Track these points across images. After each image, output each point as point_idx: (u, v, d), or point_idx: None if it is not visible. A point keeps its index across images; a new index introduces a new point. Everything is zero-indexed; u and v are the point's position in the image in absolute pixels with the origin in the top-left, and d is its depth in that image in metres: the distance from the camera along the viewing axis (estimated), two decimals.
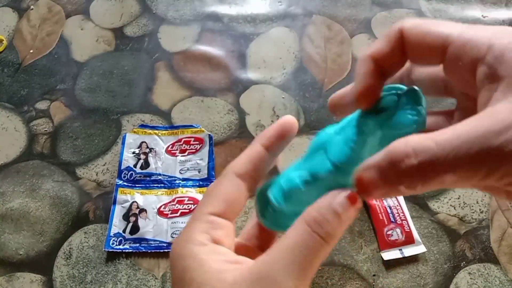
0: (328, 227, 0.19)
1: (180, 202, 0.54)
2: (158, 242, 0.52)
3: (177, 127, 0.60)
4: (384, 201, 0.54)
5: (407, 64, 0.22)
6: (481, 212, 0.55)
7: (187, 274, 0.20)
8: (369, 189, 0.18)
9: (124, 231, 0.52)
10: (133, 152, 0.58)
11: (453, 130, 0.16)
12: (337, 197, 0.20)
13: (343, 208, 0.20)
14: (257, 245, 0.25)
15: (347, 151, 0.21)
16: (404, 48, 0.20)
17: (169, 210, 0.54)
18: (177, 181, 0.56)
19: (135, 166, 0.57)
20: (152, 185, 0.56)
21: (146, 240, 0.52)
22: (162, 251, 0.51)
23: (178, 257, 0.20)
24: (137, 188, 0.55)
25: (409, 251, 0.51)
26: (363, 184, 0.18)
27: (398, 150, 0.17)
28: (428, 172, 0.16)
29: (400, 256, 0.51)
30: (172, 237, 0.52)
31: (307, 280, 0.19)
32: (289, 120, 0.23)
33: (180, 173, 0.57)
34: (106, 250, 0.52)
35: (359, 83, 0.21)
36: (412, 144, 0.16)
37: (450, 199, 0.56)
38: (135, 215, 0.53)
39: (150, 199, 0.54)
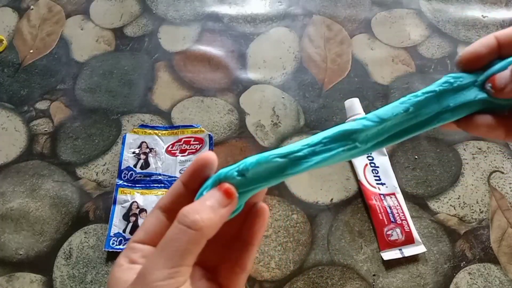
0: (192, 216, 0.22)
1: None
2: None
3: (177, 127, 0.60)
4: (384, 201, 0.54)
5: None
6: (481, 212, 0.55)
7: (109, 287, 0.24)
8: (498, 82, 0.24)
9: (124, 231, 0.52)
10: (133, 152, 0.58)
11: None
12: (210, 193, 0.24)
13: (215, 199, 0.23)
14: None
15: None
16: None
17: None
18: None
19: (135, 166, 0.57)
20: (152, 185, 0.56)
21: None
22: None
23: (109, 278, 0.25)
24: (137, 188, 0.55)
25: (409, 251, 0.51)
26: (494, 81, 0.24)
27: None
28: None
29: (400, 256, 0.51)
30: None
31: (182, 266, 0.22)
32: (205, 157, 0.25)
33: (180, 173, 0.57)
34: (106, 250, 0.52)
35: (471, 47, 0.25)
36: None
37: (450, 199, 0.56)
38: (135, 215, 0.53)
39: (150, 199, 0.54)
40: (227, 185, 0.24)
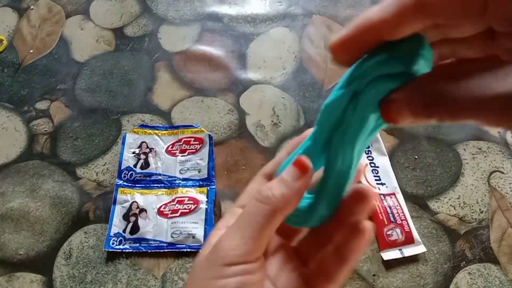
0: (266, 192, 0.23)
1: (180, 202, 0.54)
2: (158, 242, 0.52)
3: (177, 127, 0.60)
4: (384, 201, 0.54)
5: None
6: (481, 212, 0.55)
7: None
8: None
9: (124, 231, 0.52)
10: (133, 152, 0.58)
11: None
12: (287, 168, 0.23)
13: (289, 173, 0.23)
14: None
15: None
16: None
17: (169, 210, 0.54)
18: (177, 181, 0.56)
19: (135, 166, 0.57)
20: (152, 185, 0.56)
21: (146, 240, 0.52)
22: (162, 251, 0.51)
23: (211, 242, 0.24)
24: (137, 188, 0.55)
25: (409, 251, 0.51)
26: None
27: None
28: None
29: (400, 256, 0.51)
30: (172, 237, 0.52)
31: (251, 239, 0.22)
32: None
33: (180, 173, 0.57)
34: (106, 250, 0.52)
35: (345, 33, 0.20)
36: None
37: (450, 199, 0.56)
38: (135, 215, 0.53)
39: (150, 199, 0.54)
40: (300, 158, 0.23)
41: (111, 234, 0.52)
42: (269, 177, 0.26)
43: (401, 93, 0.19)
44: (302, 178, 0.23)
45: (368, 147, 0.58)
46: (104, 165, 0.58)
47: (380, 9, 0.18)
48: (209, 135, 0.59)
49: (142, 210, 0.54)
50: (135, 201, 0.54)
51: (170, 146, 0.58)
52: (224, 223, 0.25)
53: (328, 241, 0.25)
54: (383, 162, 0.57)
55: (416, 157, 0.59)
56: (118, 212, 0.54)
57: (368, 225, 0.25)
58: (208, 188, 0.55)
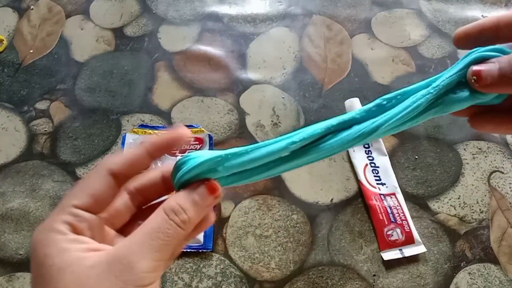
0: (184, 216, 0.22)
1: None
2: None
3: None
4: (384, 201, 0.54)
5: None
6: (481, 212, 0.55)
7: (48, 260, 0.20)
8: (484, 76, 0.23)
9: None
10: None
11: None
12: (198, 188, 0.23)
13: (201, 197, 0.23)
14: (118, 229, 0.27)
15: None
16: None
17: None
18: None
19: None
20: None
21: None
22: None
23: (39, 244, 0.21)
24: None
25: (409, 251, 0.51)
26: (480, 74, 0.23)
27: None
28: None
29: (400, 256, 0.51)
30: None
31: (163, 261, 0.21)
32: (182, 134, 0.25)
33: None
34: None
35: (466, 26, 0.25)
36: None
37: (450, 199, 0.56)
38: None
39: None
40: (214, 183, 0.24)
41: None
42: (118, 175, 0.23)
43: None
44: (212, 203, 0.23)
45: (368, 147, 0.58)
46: None
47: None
48: (209, 135, 0.59)
49: None
50: None
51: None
52: (66, 227, 0.22)
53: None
54: (383, 162, 0.57)
55: (416, 157, 0.59)
56: None
57: (212, 215, 0.26)
58: None
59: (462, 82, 0.25)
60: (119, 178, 0.24)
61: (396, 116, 0.25)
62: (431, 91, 0.25)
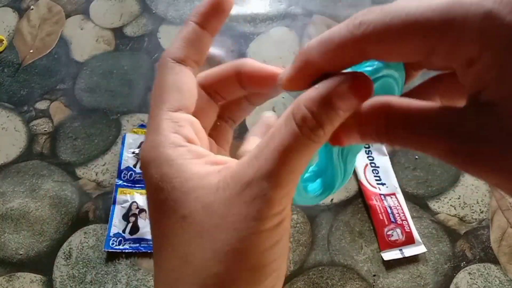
0: (320, 131, 0.16)
1: None
2: None
3: None
4: (384, 201, 0.54)
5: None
6: (481, 212, 0.55)
7: (166, 183, 0.18)
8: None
9: (124, 231, 0.52)
10: (133, 152, 0.58)
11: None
12: (340, 86, 0.16)
13: (343, 103, 0.16)
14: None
15: None
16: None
17: None
18: None
19: (134, 166, 0.57)
20: None
21: (146, 240, 0.52)
22: None
23: (151, 165, 0.18)
24: (137, 188, 0.55)
25: (409, 251, 0.51)
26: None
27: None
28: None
29: (400, 256, 0.51)
30: None
31: (294, 184, 0.17)
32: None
33: None
34: (106, 250, 0.51)
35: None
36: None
37: (450, 199, 0.56)
38: (135, 215, 0.53)
39: None
40: (366, 80, 0.17)
41: (111, 234, 0.52)
42: (185, 62, 0.21)
43: (355, 117, 0.17)
44: (356, 108, 0.17)
45: (368, 147, 0.58)
46: (103, 165, 0.58)
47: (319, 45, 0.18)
48: None
49: (142, 210, 0.54)
50: (135, 201, 0.54)
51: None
52: (177, 137, 0.18)
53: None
54: (384, 162, 0.57)
55: (416, 157, 0.59)
56: (117, 212, 0.54)
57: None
58: None
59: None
60: (191, 65, 0.21)
61: None
62: None
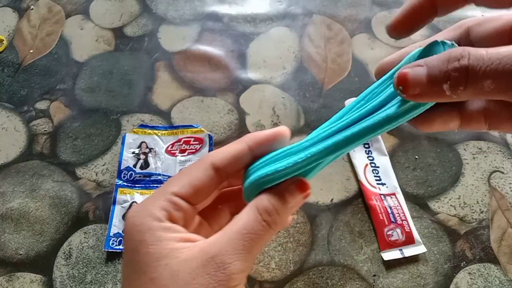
0: (276, 217, 0.22)
1: None
2: None
3: (177, 127, 0.60)
4: (384, 201, 0.54)
5: (465, 25, 0.23)
6: (481, 212, 0.55)
7: (143, 247, 0.21)
8: (411, 85, 0.19)
9: (123, 231, 0.52)
10: (133, 152, 0.58)
11: (505, 48, 0.17)
12: (289, 187, 0.22)
13: (293, 197, 0.22)
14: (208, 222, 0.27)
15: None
16: None
17: None
18: None
19: (134, 166, 0.57)
20: (152, 185, 0.56)
21: None
22: None
23: (134, 229, 0.21)
24: (137, 188, 0.55)
25: (409, 251, 0.51)
26: (406, 82, 0.19)
27: (457, 51, 0.18)
28: (474, 74, 0.17)
29: (400, 256, 0.51)
30: None
31: (252, 262, 0.21)
32: (284, 131, 0.24)
33: None
34: (106, 250, 0.52)
35: (400, 11, 0.22)
36: (469, 49, 0.18)
37: (450, 199, 0.56)
38: None
39: None
40: (307, 184, 0.23)
41: (111, 234, 0.52)
42: (219, 168, 0.23)
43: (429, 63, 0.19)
44: (301, 203, 0.23)
45: (368, 147, 0.58)
46: (103, 165, 0.58)
47: None
48: (209, 135, 0.59)
49: None
50: (135, 202, 0.54)
51: (170, 146, 0.58)
52: (163, 214, 0.22)
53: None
54: (384, 162, 0.57)
55: (416, 157, 0.59)
56: (117, 212, 0.54)
57: None
58: None
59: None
60: (221, 173, 0.23)
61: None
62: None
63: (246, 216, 0.22)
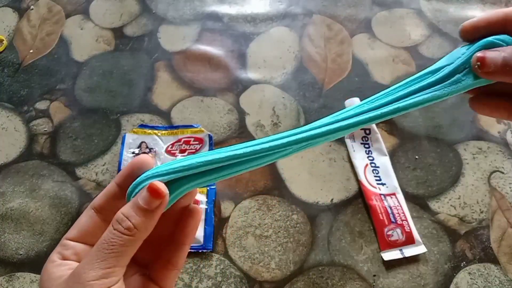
0: (127, 223, 0.23)
1: None
2: None
3: (176, 127, 0.60)
4: (384, 201, 0.54)
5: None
6: (481, 212, 0.55)
7: (42, 284, 0.25)
8: (487, 64, 0.24)
9: None
10: (133, 152, 0.58)
11: None
12: (141, 193, 0.24)
13: (145, 201, 0.24)
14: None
15: None
16: None
17: None
18: None
19: None
20: None
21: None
22: None
23: (41, 275, 0.25)
24: None
25: (409, 251, 0.51)
26: (484, 60, 0.24)
27: None
28: None
29: (400, 256, 0.51)
30: None
31: (117, 267, 0.23)
32: (141, 159, 0.26)
33: None
34: None
35: (475, 18, 0.26)
36: None
37: (450, 199, 0.56)
38: None
39: None
40: (156, 185, 0.24)
41: None
42: (100, 210, 0.27)
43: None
44: (160, 205, 0.24)
45: (369, 147, 0.58)
46: (103, 165, 0.58)
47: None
48: (209, 135, 0.59)
49: None
50: None
51: (170, 146, 0.58)
52: (57, 256, 0.26)
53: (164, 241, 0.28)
54: (384, 162, 0.57)
55: (416, 157, 0.59)
56: None
57: (196, 207, 0.29)
58: (208, 188, 0.55)
59: (466, 67, 0.25)
60: (102, 212, 0.27)
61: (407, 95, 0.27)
62: (445, 71, 0.26)
63: (105, 232, 0.24)
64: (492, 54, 0.24)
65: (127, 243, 0.23)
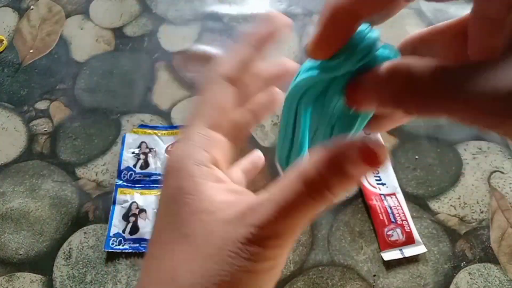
0: (328, 195, 0.16)
1: None
2: None
3: (177, 127, 0.60)
4: (384, 201, 0.54)
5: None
6: (481, 212, 0.55)
7: (181, 196, 0.18)
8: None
9: (123, 231, 0.52)
10: (133, 152, 0.58)
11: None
12: (349, 155, 0.16)
13: (354, 169, 0.16)
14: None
15: None
16: None
17: None
18: None
19: (134, 166, 0.57)
20: (151, 185, 0.56)
21: (146, 240, 0.52)
22: None
23: (174, 174, 0.19)
24: (137, 188, 0.55)
25: (409, 251, 0.51)
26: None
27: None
28: None
29: (400, 256, 0.51)
30: None
31: (294, 238, 0.18)
32: (282, 19, 0.21)
33: None
34: (106, 250, 0.51)
35: (318, 29, 0.18)
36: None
37: (450, 199, 0.56)
38: (135, 215, 0.53)
39: (150, 199, 0.54)
40: (378, 159, 0.16)
41: (111, 234, 0.52)
42: (234, 82, 0.20)
43: (371, 76, 0.16)
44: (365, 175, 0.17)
45: None
46: (103, 165, 0.58)
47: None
48: None
49: (142, 211, 0.54)
50: (135, 202, 0.54)
51: (170, 146, 0.58)
52: (204, 156, 0.19)
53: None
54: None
55: (416, 157, 0.59)
56: (117, 212, 0.54)
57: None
58: None
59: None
60: (239, 86, 0.21)
61: None
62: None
63: (288, 186, 0.17)
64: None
65: (318, 210, 0.17)
